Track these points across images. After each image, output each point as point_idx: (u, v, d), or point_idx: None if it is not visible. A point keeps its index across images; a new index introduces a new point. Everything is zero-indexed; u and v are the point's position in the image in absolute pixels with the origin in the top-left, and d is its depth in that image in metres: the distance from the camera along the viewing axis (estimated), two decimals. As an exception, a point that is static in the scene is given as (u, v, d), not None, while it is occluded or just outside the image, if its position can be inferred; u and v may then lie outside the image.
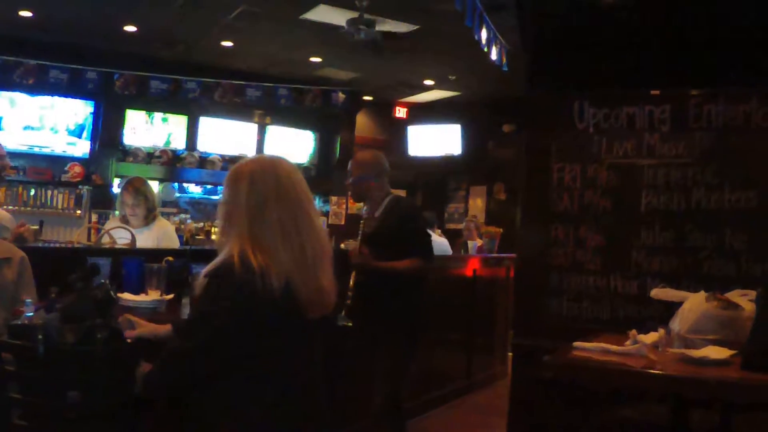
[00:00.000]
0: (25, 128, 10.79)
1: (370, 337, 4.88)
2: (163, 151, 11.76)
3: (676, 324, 3.44)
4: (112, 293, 3.52)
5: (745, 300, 3.39)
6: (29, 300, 3.75)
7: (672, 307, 3.58)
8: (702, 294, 3.46)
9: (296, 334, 2.72)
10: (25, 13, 9.37)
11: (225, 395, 2.71)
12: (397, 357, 4.83)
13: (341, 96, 12.16)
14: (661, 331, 3.51)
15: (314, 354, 2.84)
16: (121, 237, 5.78)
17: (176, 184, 12.38)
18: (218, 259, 2.70)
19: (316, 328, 2.82)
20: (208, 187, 12.67)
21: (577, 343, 3.43)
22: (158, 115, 11.95)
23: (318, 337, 2.86)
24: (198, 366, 2.73)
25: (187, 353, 2.75)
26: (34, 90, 10.63)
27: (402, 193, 14.58)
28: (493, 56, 8.10)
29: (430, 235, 5.16)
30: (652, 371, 3.10)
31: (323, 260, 2.75)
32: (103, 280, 3.72)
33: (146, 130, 11.82)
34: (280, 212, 2.68)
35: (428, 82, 12.47)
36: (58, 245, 8.19)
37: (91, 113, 11.24)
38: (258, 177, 2.74)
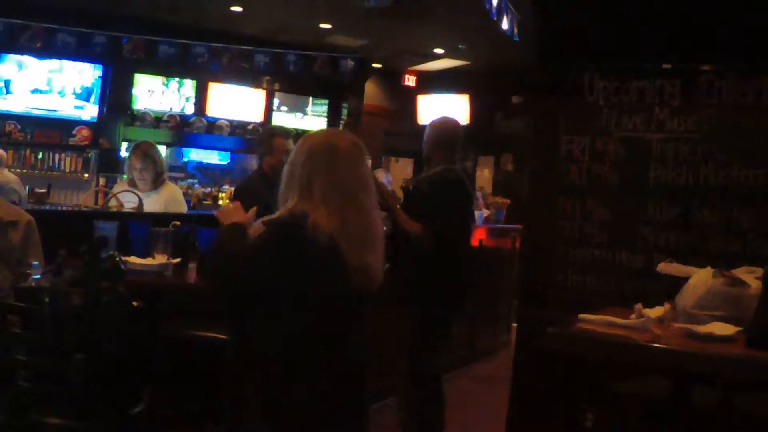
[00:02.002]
0: (33, 91, 10.77)
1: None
2: (171, 116, 11.74)
3: (682, 299, 3.44)
4: (120, 265, 3.54)
5: (751, 277, 3.38)
6: (36, 263, 3.78)
7: (678, 283, 3.58)
8: (708, 270, 3.45)
9: (342, 299, 2.85)
10: (35, -25, 9.35)
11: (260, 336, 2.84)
12: (414, 329, 4.91)
13: (350, 63, 12.09)
14: (667, 306, 3.51)
15: (355, 328, 2.95)
16: (128, 201, 5.80)
17: (184, 149, 12.39)
18: (276, 215, 2.87)
19: (359, 303, 2.95)
20: (216, 152, 12.67)
21: (582, 316, 3.43)
22: (174, 80, 11.92)
23: (361, 312, 2.98)
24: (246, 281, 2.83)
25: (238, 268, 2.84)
26: (42, 53, 10.58)
27: (409, 161, 14.61)
28: (504, 26, 8.05)
29: (456, 217, 5.12)
30: (656, 345, 3.11)
31: (370, 239, 2.86)
32: (111, 252, 3.74)
33: (162, 92, 11.80)
34: (326, 185, 2.80)
35: (438, 51, 12.41)
36: (65, 208, 8.22)
37: (99, 77, 11.21)
38: (314, 152, 2.89)
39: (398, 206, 4.93)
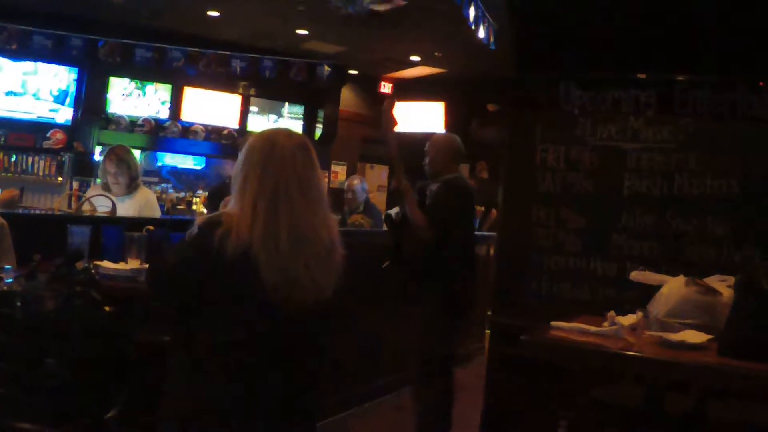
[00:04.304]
0: (8, 94, 10.69)
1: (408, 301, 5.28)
2: (146, 120, 11.68)
3: (655, 307, 3.46)
4: (96, 278, 3.53)
5: (723, 286, 3.41)
6: (9, 266, 3.75)
7: (651, 291, 3.60)
8: (681, 278, 3.48)
9: (256, 313, 2.60)
10: (10, -23, 9.29)
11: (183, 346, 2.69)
12: (424, 327, 5.09)
13: (326, 69, 12.10)
14: (639, 313, 3.54)
15: (281, 344, 2.66)
16: (101, 205, 5.76)
17: (159, 154, 12.33)
18: (202, 219, 2.69)
19: (293, 318, 2.63)
20: (191, 157, 12.63)
21: (554, 323, 3.44)
22: (149, 85, 11.88)
23: (293, 329, 2.67)
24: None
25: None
26: (17, 55, 10.51)
27: (385, 168, 14.61)
28: (481, 35, 8.08)
29: (453, 216, 5.22)
30: (628, 353, 3.12)
31: (304, 247, 2.59)
32: (86, 265, 3.73)
33: (137, 96, 11.75)
34: (257, 187, 2.60)
35: (414, 58, 12.43)
36: (38, 212, 8.16)
37: (74, 80, 11.15)
38: (252, 149, 2.69)
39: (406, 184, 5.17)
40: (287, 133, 2.77)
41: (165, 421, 2.69)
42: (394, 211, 5.41)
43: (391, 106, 5.38)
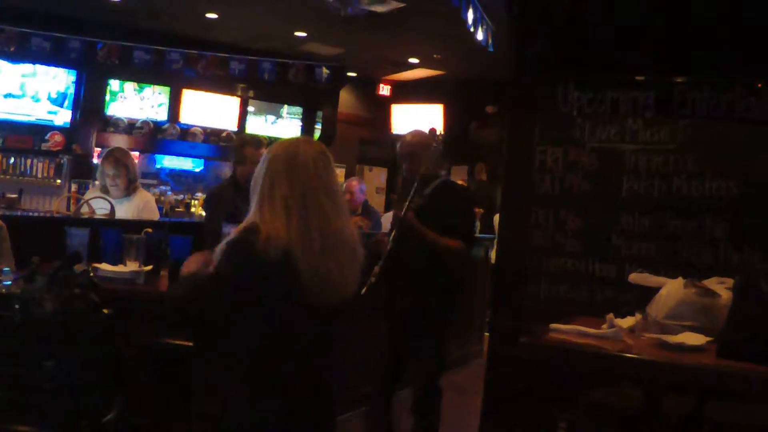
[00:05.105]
0: (6, 96, 10.68)
1: (402, 320, 5.05)
2: (145, 123, 11.68)
3: (653, 309, 3.46)
4: (95, 281, 3.53)
5: (722, 288, 3.41)
6: (7, 269, 3.74)
7: (649, 293, 3.60)
8: (680, 280, 3.48)
9: (293, 313, 2.72)
10: (8, -21, 9.27)
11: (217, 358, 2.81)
12: (432, 347, 4.98)
13: (325, 71, 12.10)
14: (638, 315, 3.54)
15: (311, 343, 2.81)
16: (100, 207, 5.76)
17: (157, 156, 12.32)
18: (238, 228, 2.77)
19: (321, 318, 2.80)
20: (190, 159, 12.62)
21: (553, 325, 3.44)
22: (148, 86, 11.87)
23: (321, 328, 2.83)
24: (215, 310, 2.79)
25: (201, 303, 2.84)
26: (15, 57, 10.50)
27: (383, 170, 14.62)
28: (479, 37, 8.08)
29: (475, 222, 5.25)
30: (627, 355, 3.12)
31: (332, 248, 2.73)
32: (85, 267, 3.73)
33: (137, 98, 11.75)
34: (287, 192, 2.72)
35: (413, 60, 12.43)
36: (37, 214, 8.16)
37: (73, 82, 11.14)
38: (275, 157, 2.82)
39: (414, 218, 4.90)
40: (307, 141, 2.95)
41: (196, 420, 2.77)
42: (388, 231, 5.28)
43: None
